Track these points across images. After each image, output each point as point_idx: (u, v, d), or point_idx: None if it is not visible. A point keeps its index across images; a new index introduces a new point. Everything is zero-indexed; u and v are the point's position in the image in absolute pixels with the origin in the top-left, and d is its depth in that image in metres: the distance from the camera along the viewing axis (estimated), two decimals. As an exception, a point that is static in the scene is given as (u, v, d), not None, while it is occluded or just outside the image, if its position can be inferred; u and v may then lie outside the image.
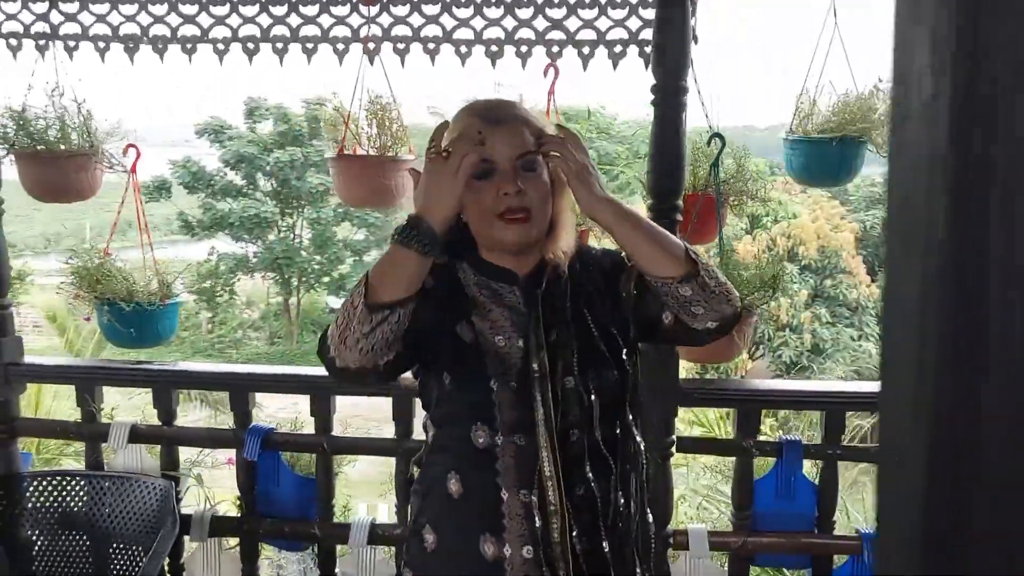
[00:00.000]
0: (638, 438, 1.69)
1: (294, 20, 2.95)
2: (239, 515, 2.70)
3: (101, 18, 2.99)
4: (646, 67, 2.79)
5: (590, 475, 1.57)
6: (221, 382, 2.74)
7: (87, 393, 2.67)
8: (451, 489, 1.59)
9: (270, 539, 2.74)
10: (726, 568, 2.64)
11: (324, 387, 2.61)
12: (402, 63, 2.97)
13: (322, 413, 2.62)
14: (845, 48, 2.84)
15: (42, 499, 2.63)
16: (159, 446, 2.69)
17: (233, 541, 2.77)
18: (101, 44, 3.02)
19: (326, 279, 22.51)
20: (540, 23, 2.90)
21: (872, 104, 2.78)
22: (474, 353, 1.58)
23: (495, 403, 1.56)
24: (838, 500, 2.58)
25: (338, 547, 2.69)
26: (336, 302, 27.23)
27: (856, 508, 3.28)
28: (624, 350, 1.65)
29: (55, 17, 3.00)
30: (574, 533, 1.56)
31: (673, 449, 2.50)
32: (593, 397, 1.59)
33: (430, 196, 1.48)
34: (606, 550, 1.59)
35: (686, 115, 2.45)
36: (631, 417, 1.67)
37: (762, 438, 2.69)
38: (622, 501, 1.63)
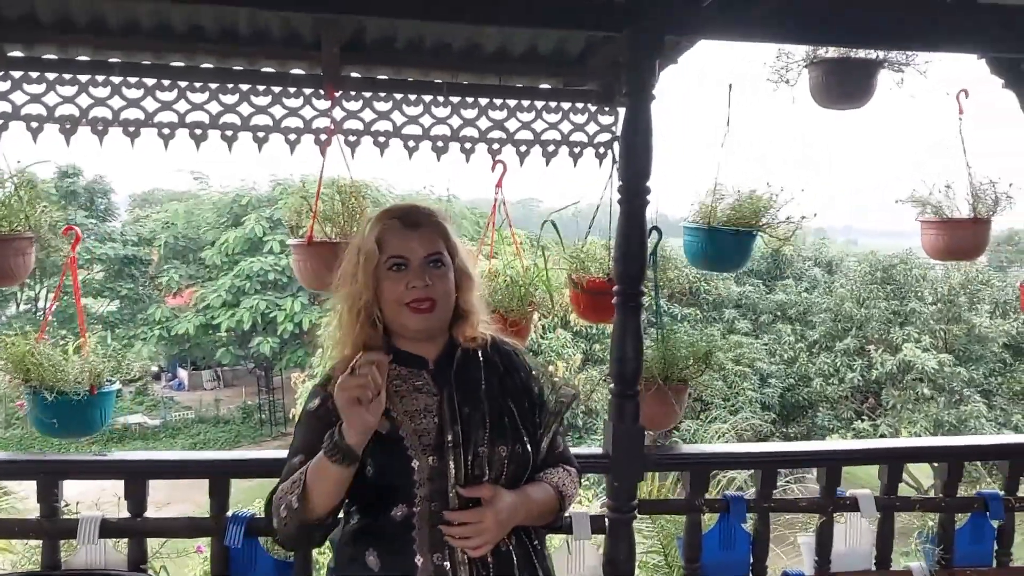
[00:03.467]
0: None
1: (245, 109, 3.03)
2: (212, 607, 2.65)
3: (36, 98, 2.91)
4: (599, 164, 3.16)
5: None
6: (201, 470, 2.68)
7: (52, 488, 2.54)
8: (369, 564, 1.77)
9: (249, 630, 2.69)
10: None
11: (307, 469, 2.66)
12: (352, 154, 3.11)
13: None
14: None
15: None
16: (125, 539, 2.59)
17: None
18: (34, 124, 2.92)
19: (76, 357, 20.81)
20: (483, 123, 3.17)
21: (764, 202, 3.26)
22: (392, 441, 1.77)
23: (416, 481, 1.75)
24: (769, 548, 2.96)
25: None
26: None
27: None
28: (530, 434, 1.89)
29: (-18, 94, 2.89)
30: None
31: (636, 512, 2.77)
32: (500, 467, 1.80)
33: (355, 427, 1.65)
34: None
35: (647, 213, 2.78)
36: None
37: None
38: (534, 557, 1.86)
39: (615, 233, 2.77)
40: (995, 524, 3.01)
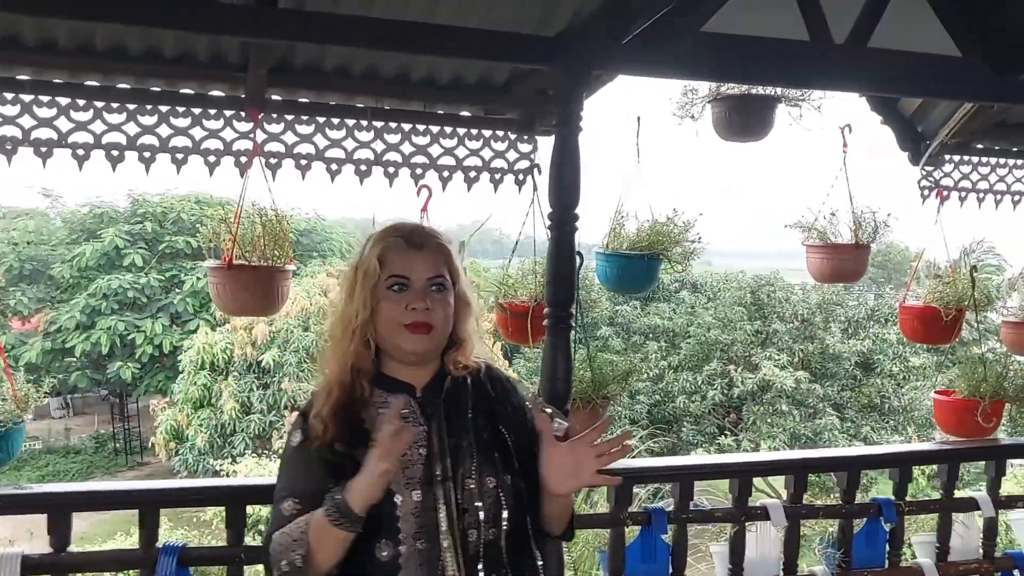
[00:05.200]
0: (536, 534, 1.87)
1: (164, 130, 2.96)
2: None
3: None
4: (519, 191, 3.25)
5: (481, 572, 1.71)
6: (128, 500, 2.58)
7: (-30, 526, 2.40)
8: None
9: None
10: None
11: (238, 497, 2.62)
12: (273, 176, 3.09)
13: (237, 523, 2.60)
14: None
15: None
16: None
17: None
18: (-65, 142, 2.78)
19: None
20: (407, 148, 3.21)
21: (669, 228, 3.44)
22: None
23: (399, 516, 1.68)
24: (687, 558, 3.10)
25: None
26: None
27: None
28: (523, 464, 1.81)
29: None
30: None
31: (565, 526, 2.85)
32: (491, 499, 1.73)
33: (371, 491, 1.62)
34: None
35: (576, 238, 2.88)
36: (529, 517, 1.83)
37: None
38: None
39: (546, 259, 2.86)
40: (887, 527, 3.24)
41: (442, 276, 1.80)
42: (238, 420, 16.33)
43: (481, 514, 1.72)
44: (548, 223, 2.84)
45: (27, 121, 2.84)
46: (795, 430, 16.31)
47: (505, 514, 1.75)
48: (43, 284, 23.11)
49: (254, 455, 13.33)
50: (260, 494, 2.59)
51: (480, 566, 1.71)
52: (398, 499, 1.69)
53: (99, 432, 25.59)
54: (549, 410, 1.88)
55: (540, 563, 1.86)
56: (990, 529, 3.45)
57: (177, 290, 21.35)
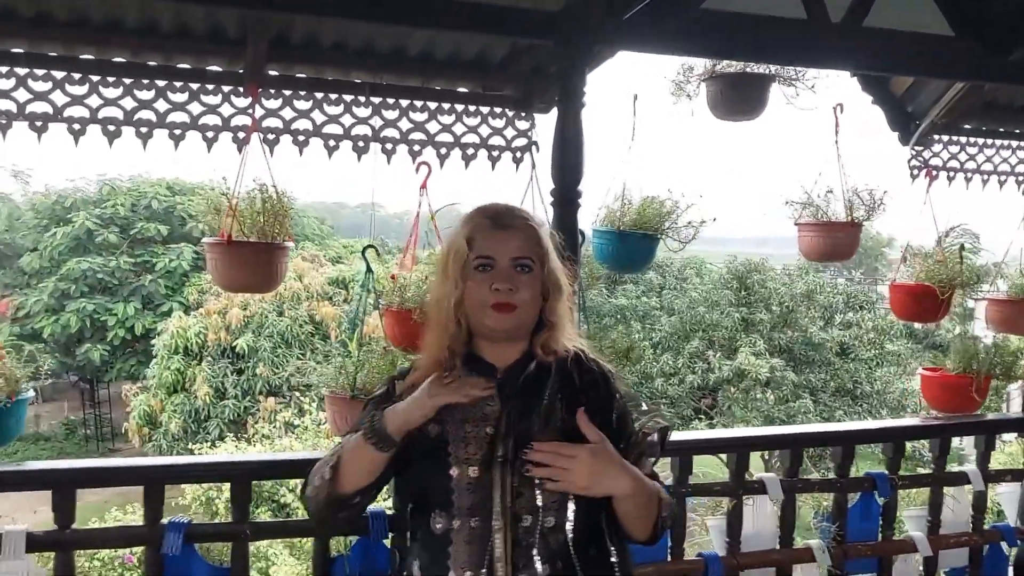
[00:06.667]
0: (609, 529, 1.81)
1: (161, 105, 2.93)
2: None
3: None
4: (516, 169, 3.24)
5: (536, 559, 1.69)
6: (134, 476, 2.56)
7: (-28, 503, 2.38)
8: (413, 573, 1.79)
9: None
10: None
11: (245, 473, 2.61)
12: (271, 152, 3.06)
13: (241, 500, 2.58)
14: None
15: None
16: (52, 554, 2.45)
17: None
18: (-74, 115, 2.73)
19: None
20: (404, 124, 3.20)
21: (664, 207, 3.44)
22: (438, 444, 1.75)
23: (453, 489, 1.71)
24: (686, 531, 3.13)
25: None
26: None
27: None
28: None
29: None
30: None
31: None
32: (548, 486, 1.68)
33: (408, 416, 1.72)
34: None
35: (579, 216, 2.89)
36: (595, 512, 1.77)
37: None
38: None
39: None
40: (881, 501, 3.29)
41: (528, 257, 1.79)
42: (212, 405, 16.21)
43: (539, 500, 1.70)
44: (551, 200, 2.85)
45: (22, 95, 2.80)
46: (769, 413, 16.47)
47: (571, 504, 1.72)
48: (11, 269, 22.79)
49: (233, 440, 13.22)
50: (273, 469, 2.59)
51: (535, 552, 1.69)
52: (453, 472, 1.72)
53: (69, 418, 25.31)
54: (644, 407, 1.86)
55: (614, 560, 1.82)
56: (979, 503, 3.51)
57: (149, 274, 21.10)
